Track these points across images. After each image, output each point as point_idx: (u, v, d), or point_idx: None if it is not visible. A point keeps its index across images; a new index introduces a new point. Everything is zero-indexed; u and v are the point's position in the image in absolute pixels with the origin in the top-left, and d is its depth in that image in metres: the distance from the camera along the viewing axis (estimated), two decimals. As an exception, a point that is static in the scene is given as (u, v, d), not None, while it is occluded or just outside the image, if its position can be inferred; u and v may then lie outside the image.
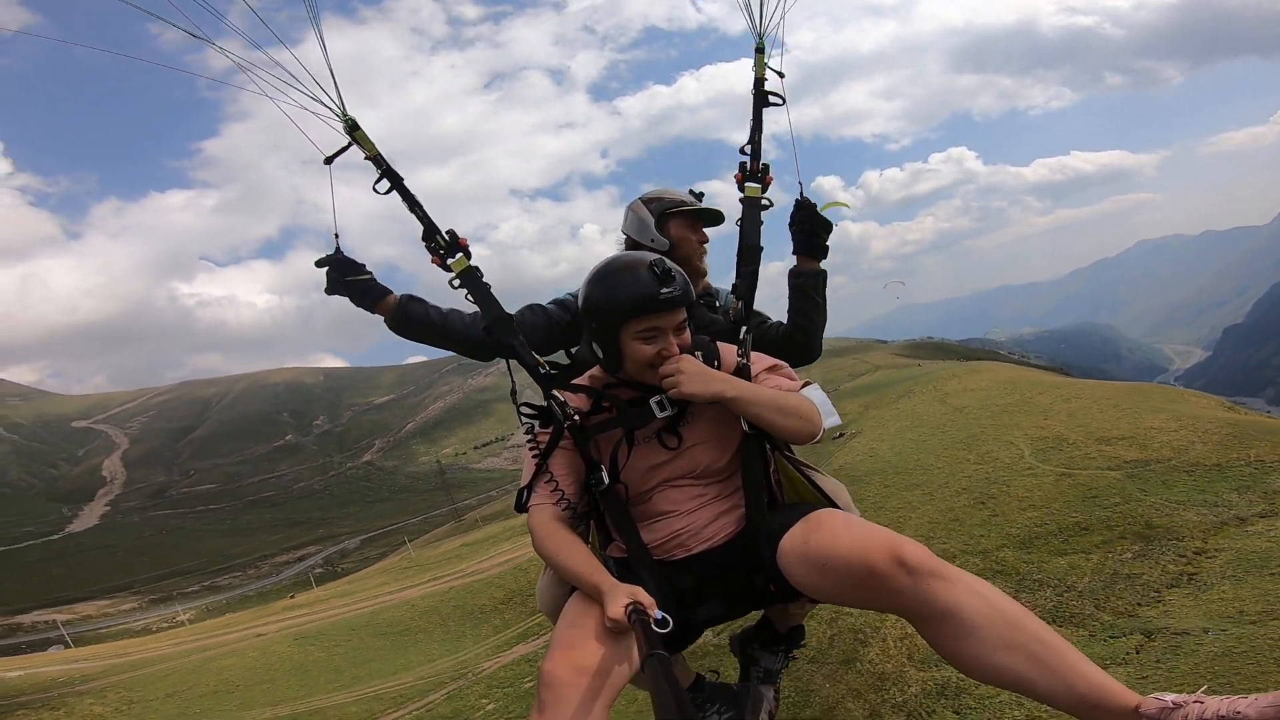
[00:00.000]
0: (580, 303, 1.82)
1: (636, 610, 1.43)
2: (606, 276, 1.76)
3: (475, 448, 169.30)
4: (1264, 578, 4.29)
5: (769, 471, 1.88)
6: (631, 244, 2.30)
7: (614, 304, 1.72)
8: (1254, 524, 5.30)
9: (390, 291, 2.16)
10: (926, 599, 1.43)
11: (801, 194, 2.17)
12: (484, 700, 7.13)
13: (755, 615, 2.35)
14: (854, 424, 20.90)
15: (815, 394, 1.89)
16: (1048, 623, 4.78)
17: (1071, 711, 1.38)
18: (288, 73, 1.98)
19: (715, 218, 2.41)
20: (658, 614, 1.46)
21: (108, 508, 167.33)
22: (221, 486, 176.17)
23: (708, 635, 2.36)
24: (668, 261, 1.76)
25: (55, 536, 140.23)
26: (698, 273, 2.36)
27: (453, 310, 2.21)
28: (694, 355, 1.84)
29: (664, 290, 1.69)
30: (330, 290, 2.11)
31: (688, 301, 1.77)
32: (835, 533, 1.60)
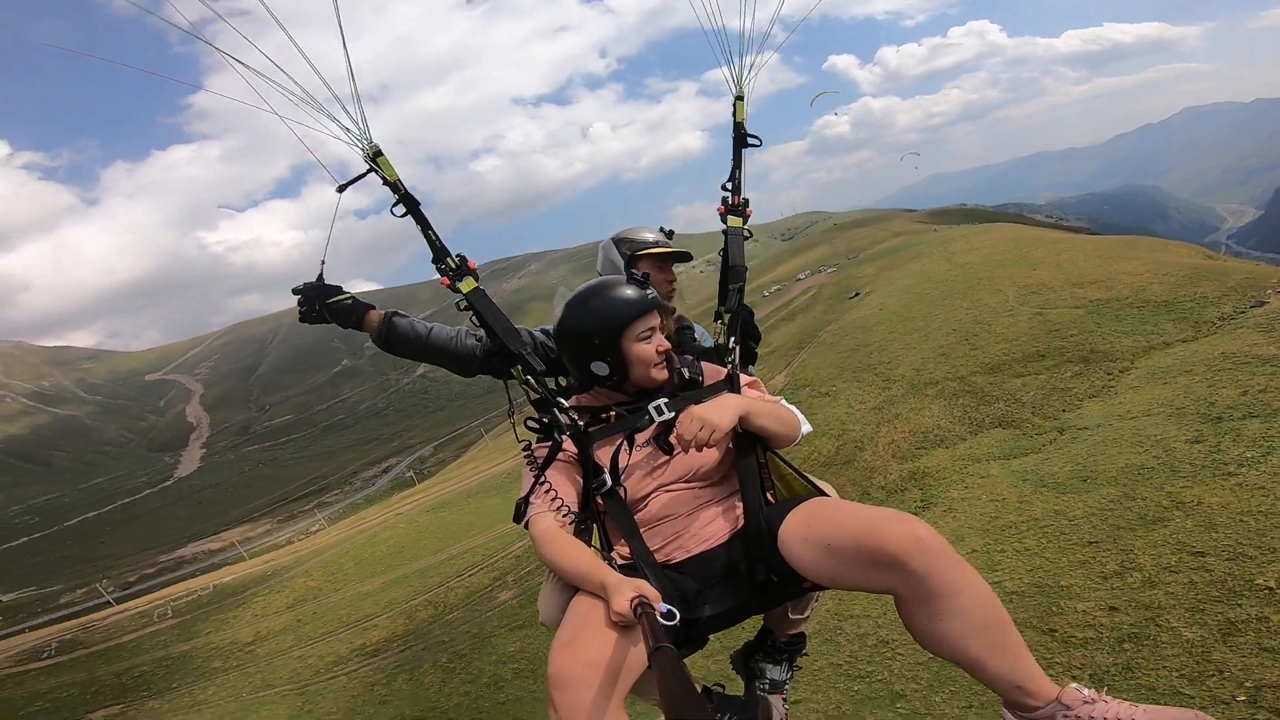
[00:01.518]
0: (572, 332, 1.93)
1: (643, 604, 1.41)
2: (595, 298, 1.91)
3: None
4: (1158, 386, 6.63)
5: (762, 471, 1.93)
6: None
7: (616, 314, 1.87)
8: (1175, 347, 7.46)
9: (372, 307, 2.19)
10: (933, 581, 1.46)
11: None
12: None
13: (756, 628, 2.34)
14: (869, 285, 23.01)
15: (790, 407, 2.03)
16: (995, 426, 8.41)
17: (1005, 693, 1.50)
18: (308, 95, 1.96)
19: (683, 258, 2.53)
20: (663, 607, 1.44)
21: (203, 450, 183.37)
22: (296, 417, 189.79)
23: (713, 648, 2.43)
24: (643, 275, 1.97)
25: (168, 483, 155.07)
26: (666, 310, 2.40)
27: (436, 325, 2.24)
28: (682, 358, 2.06)
29: (649, 293, 1.92)
30: (305, 318, 2.15)
31: (659, 304, 1.96)
32: (838, 514, 1.65)
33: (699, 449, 1.71)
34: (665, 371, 1.95)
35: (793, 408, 2.03)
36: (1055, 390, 8.09)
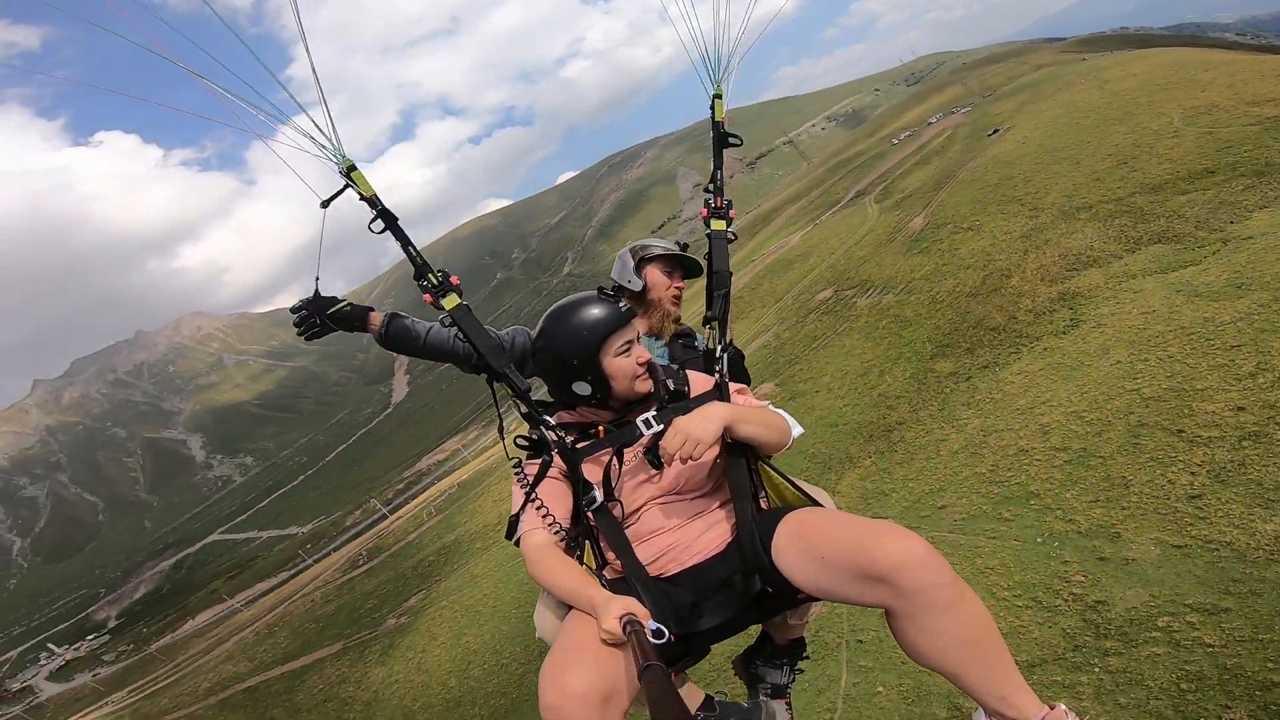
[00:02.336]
0: (550, 353, 1.90)
1: (632, 622, 1.43)
2: (566, 318, 1.88)
3: (652, 232, 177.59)
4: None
5: (754, 480, 1.93)
6: (615, 285, 2.37)
7: (591, 329, 1.84)
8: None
9: (373, 309, 2.24)
10: (924, 598, 1.46)
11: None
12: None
13: (755, 634, 2.35)
14: (1009, 120, 21.05)
15: (779, 411, 2.04)
16: (1155, 243, 8.48)
17: (987, 705, 1.49)
18: (280, 112, 1.92)
19: (693, 267, 2.47)
20: (653, 624, 1.45)
21: (407, 376, 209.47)
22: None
23: (716, 658, 2.39)
24: (616, 286, 2.02)
25: (389, 410, 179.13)
26: (668, 315, 2.45)
27: (434, 326, 2.28)
28: (663, 369, 2.03)
29: (621, 305, 1.89)
30: (305, 334, 2.17)
31: (633, 315, 1.92)
32: (833, 528, 1.63)
33: (684, 462, 1.73)
34: (649, 382, 1.93)
35: (782, 412, 2.02)
36: (1223, 204, 7.61)
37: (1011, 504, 5.62)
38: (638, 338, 1.92)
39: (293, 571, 48.13)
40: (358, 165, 1.99)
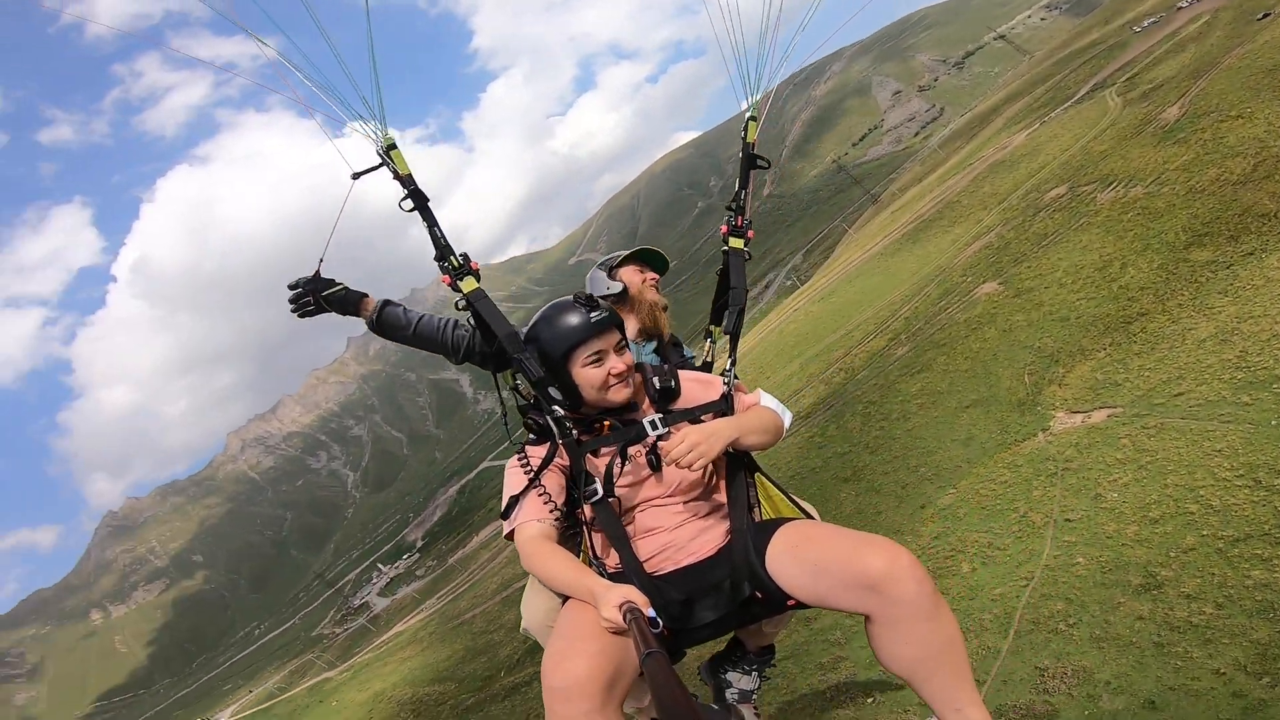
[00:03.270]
0: (533, 358, 1.95)
1: (632, 610, 1.44)
2: (543, 323, 1.95)
3: (853, 145, 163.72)
4: None
5: (750, 490, 2.00)
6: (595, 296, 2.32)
7: (558, 340, 1.88)
8: None
9: (366, 295, 2.28)
10: (908, 608, 1.54)
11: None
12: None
13: (721, 641, 2.32)
14: None
15: (769, 400, 2.09)
16: None
17: (944, 715, 1.58)
18: (329, 85, 2.01)
19: (658, 261, 2.60)
20: (651, 612, 1.47)
21: None
22: (681, 260, 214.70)
23: (685, 663, 2.46)
24: (590, 294, 2.05)
25: None
26: (654, 303, 2.50)
27: (424, 316, 2.34)
28: (652, 368, 2.05)
29: (593, 315, 1.88)
30: (299, 310, 2.22)
31: (617, 322, 1.93)
32: (827, 537, 1.71)
33: (682, 467, 1.78)
34: (623, 391, 1.93)
35: (772, 401, 2.08)
36: None
37: (1254, 389, 5.29)
38: (616, 347, 1.92)
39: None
40: (397, 144, 2.13)
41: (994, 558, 4.65)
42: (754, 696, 2.32)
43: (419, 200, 2.12)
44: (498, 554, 39.97)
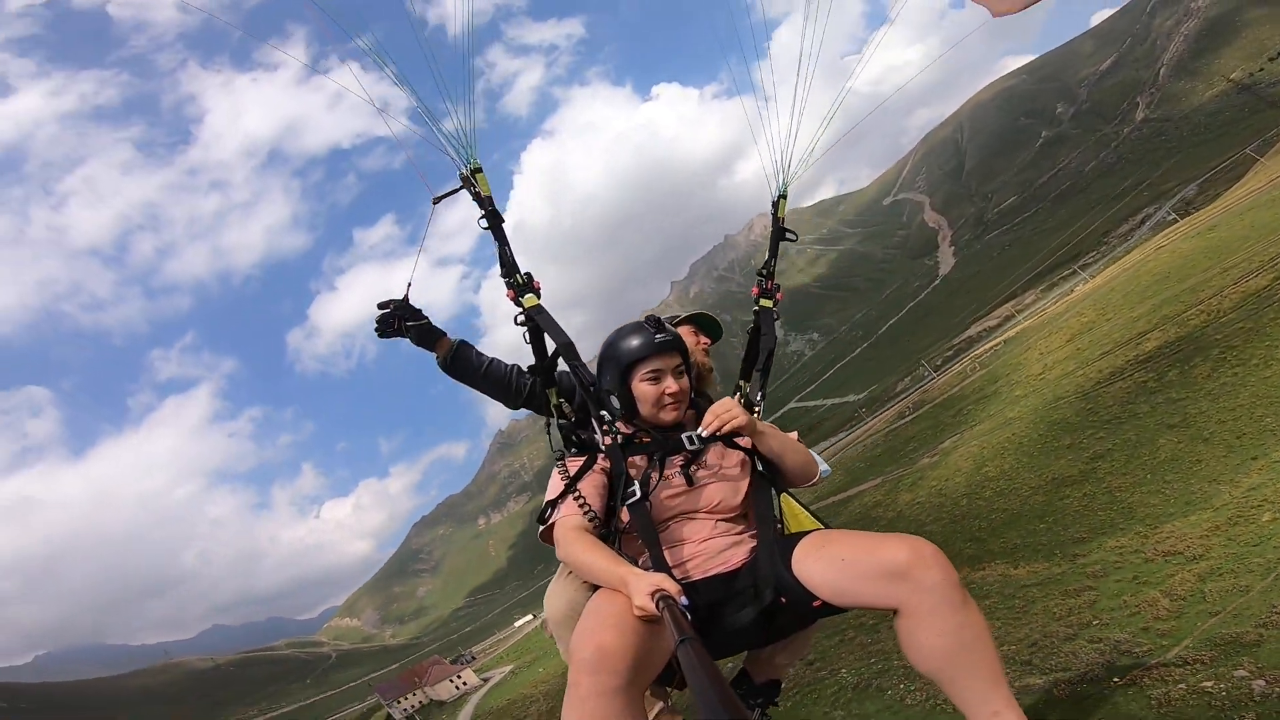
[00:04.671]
0: (597, 367, 2.17)
1: (665, 597, 1.45)
2: (615, 337, 2.14)
3: (1270, 59, 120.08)
4: None
5: (776, 508, 2.07)
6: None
7: (622, 354, 2.07)
8: None
9: (445, 334, 2.38)
10: (935, 596, 1.57)
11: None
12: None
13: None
14: None
15: (809, 450, 2.18)
16: None
17: (969, 714, 1.57)
18: (427, 110, 2.20)
19: (714, 328, 2.73)
20: (684, 600, 1.48)
21: (952, 247, 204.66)
22: (1020, 196, 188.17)
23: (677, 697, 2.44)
24: (660, 318, 2.16)
25: (937, 281, 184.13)
26: (703, 365, 2.58)
27: (495, 360, 2.41)
28: (695, 401, 2.16)
29: (658, 336, 2.06)
30: (382, 331, 2.32)
31: (680, 347, 2.10)
32: (851, 534, 1.79)
33: (720, 429, 1.97)
34: (674, 413, 2.08)
35: (811, 451, 2.19)
36: None
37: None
38: (675, 370, 2.08)
39: (850, 431, 55.08)
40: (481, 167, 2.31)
41: (1301, 515, 4.47)
42: None
43: (494, 221, 2.29)
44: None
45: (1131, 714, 2.48)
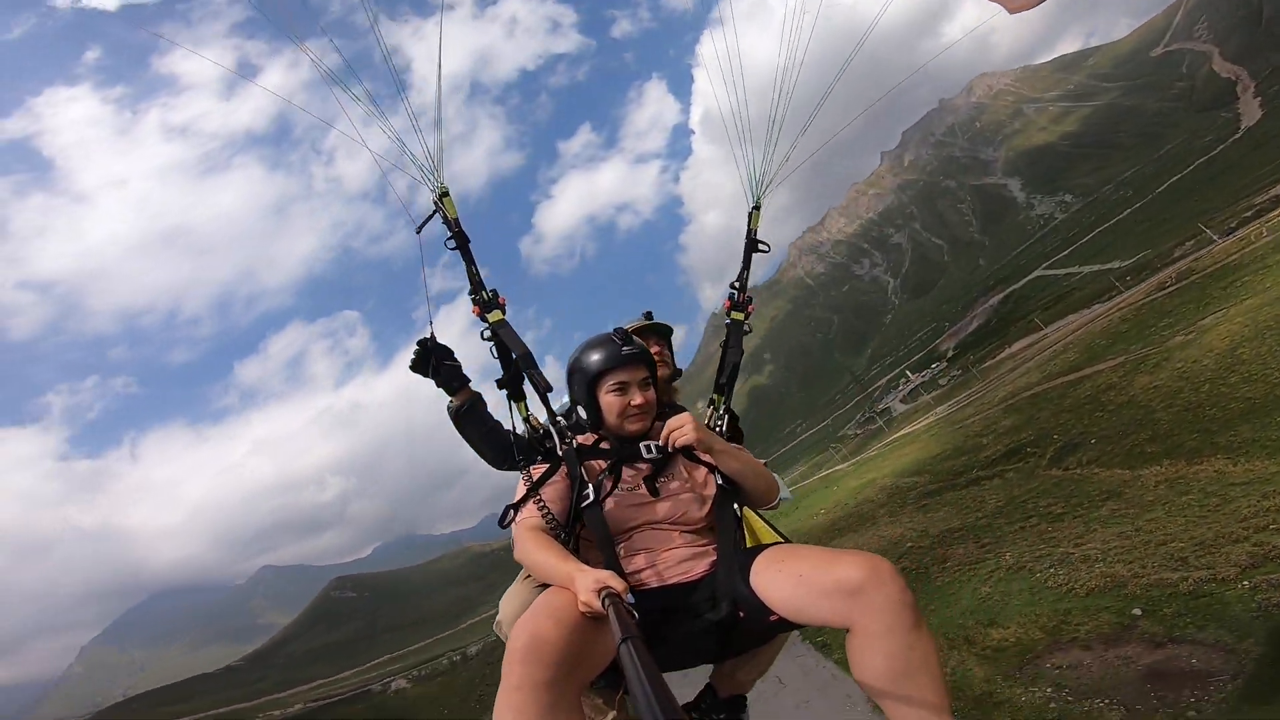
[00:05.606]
0: (567, 378, 2.24)
1: (610, 593, 1.43)
2: (583, 349, 2.20)
3: None
4: None
5: (738, 522, 2.11)
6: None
7: (589, 366, 2.12)
8: None
9: (469, 382, 2.40)
10: (889, 616, 1.54)
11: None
12: None
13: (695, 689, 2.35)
14: None
15: (774, 476, 2.22)
16: None
17: None
18: (392, 132, 2.22)
19: (664, 330, 2.78)
20: (630, 599, 1.44)
21: (1258, 99, 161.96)
22: None
23: None
24: (628, 331, 2.20)
25: (1237, 135, 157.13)
26: (661, 377, 2.56)
27: (498, 425, 2.43)
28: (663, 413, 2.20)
29: (624, 349, 2.11)
30: (417, 367, 2.33)
31: (646, 360, 2.16)
32: (810, 550, 1.76)
33: (676, 439, 2.00)
34: (639, 423, 2.13)
35: (775, 476, 2.21)
36: None
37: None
38: (640, 383, 2.14)
39: (1106, 303, 47.47)
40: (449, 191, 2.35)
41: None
42: None
43: (461, 241, 2.32)
44: (1021, 363, 37.79)
45: (1235, 616, 2.64)
